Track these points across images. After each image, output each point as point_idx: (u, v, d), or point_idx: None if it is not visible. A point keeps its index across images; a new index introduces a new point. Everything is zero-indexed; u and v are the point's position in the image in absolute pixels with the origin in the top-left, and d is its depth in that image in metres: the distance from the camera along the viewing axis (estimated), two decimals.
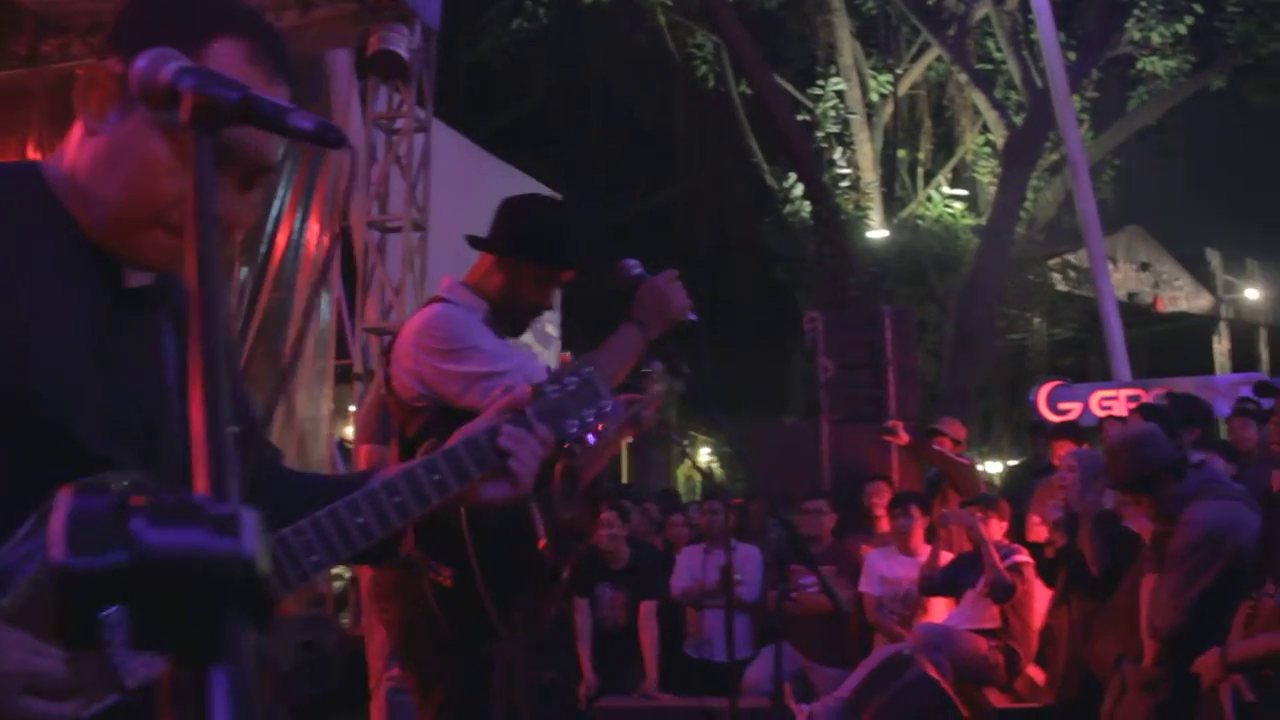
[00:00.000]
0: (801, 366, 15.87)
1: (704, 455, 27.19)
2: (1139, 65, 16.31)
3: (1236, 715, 3.37)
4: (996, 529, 6.33)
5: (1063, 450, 7.16)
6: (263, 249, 7.91)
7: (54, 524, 0.84)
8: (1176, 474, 4.18)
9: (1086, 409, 10.58)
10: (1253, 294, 28.48)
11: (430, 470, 1.64)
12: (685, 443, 25.32)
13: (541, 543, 2.81)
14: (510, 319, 3.05)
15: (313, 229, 7.96)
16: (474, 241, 3.14)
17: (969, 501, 6.71)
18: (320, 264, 7.88)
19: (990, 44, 16.67)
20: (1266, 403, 7.20)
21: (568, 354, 3.76)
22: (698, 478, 26.15)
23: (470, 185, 9.23)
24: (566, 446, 1.82)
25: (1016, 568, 6.04)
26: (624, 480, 19.39)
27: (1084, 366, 22.02)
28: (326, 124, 1.20)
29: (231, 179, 1.43)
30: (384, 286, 7.51)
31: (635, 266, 3.05)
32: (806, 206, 15.47)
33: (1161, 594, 3.89)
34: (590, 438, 1.85)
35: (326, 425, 7.94)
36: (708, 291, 22.41)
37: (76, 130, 1.48)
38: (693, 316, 3.03)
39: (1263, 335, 28.30)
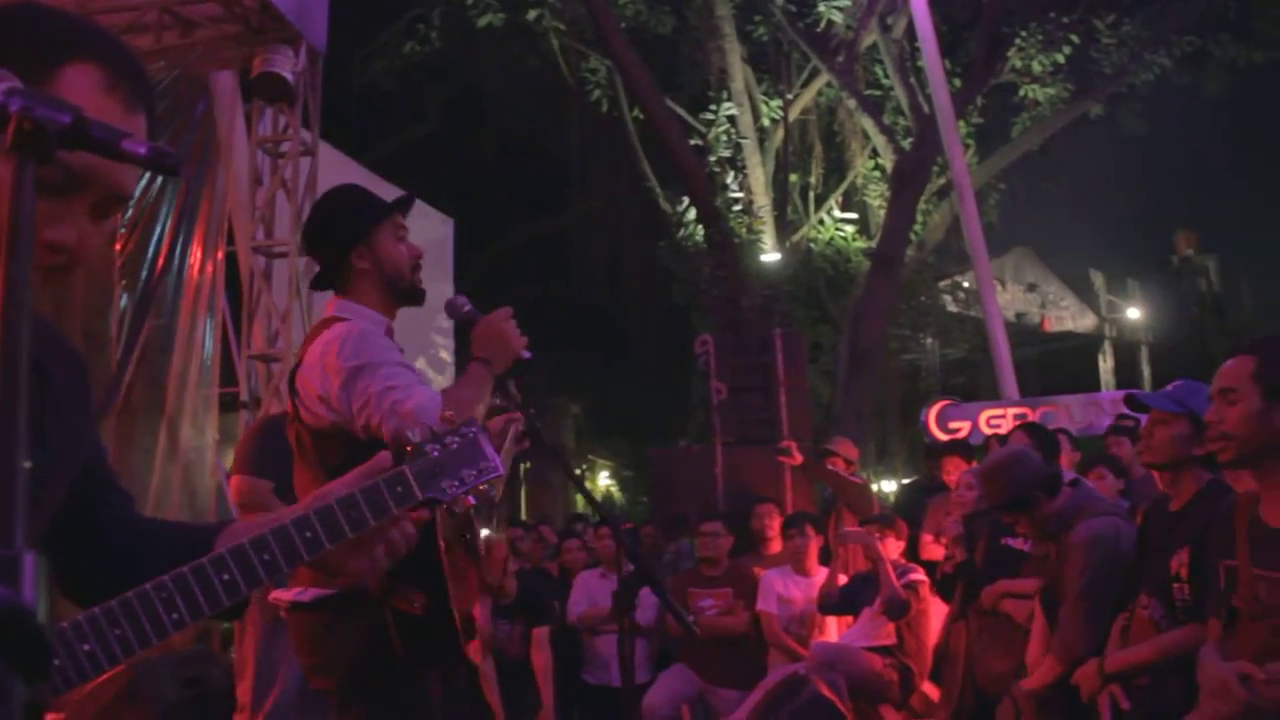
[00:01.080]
0: (700, 389, 15.91)
1: (603, 478, 27.20)
2: (1021, 92, 16.73)
3: None
4: (894, 548, 6.39)
5: (953, 467, 7.28)
6: (144, 274, 7.70)
7: None
8: (1050, 492, 4.26)
9: (975, 427, 10.78)
10: (1134, 313, 29.43)
11: (301, 528, 1.59)
12: (583, 468, 25.28)
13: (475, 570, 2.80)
14: (403, 289, 3.02)
15: (195, 254, 7.76)
16: (322, 281, 3.13)
17: (868, 520, 6.77)
18: (203, 289, 7.69)
19: (879, 70, 16.97)
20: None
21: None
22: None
23: None
24: (443, 505, 1.79)
25: (912, 585, 6.10)
26: (522, 509, 19.29)
27: (975, 386, 22.52)
28: (162, 150, 1.16)
29: (83, 206, 1.37)
30: (270, 312, 7.35)
31: (465, 304, 3.09)
32: (700, 230, 15.55)
33: (1073, 621, 3.94)
34: (470, 499, 1.82)
35: (212, 454, 7.73)
36: (605, 315, 22.49)
37: None
38: (527, 355, 3.02)
39: (1144, 353, 29.23)
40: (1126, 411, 8.61)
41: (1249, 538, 2.81)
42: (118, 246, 7.68)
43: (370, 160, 13.52)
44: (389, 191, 9.86)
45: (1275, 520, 2.77)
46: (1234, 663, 2.64)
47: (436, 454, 1.74)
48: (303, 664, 2.94)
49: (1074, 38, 15.79)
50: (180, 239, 7.79)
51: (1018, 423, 9.17)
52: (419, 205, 12.02)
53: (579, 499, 24.63)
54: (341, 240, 3.00)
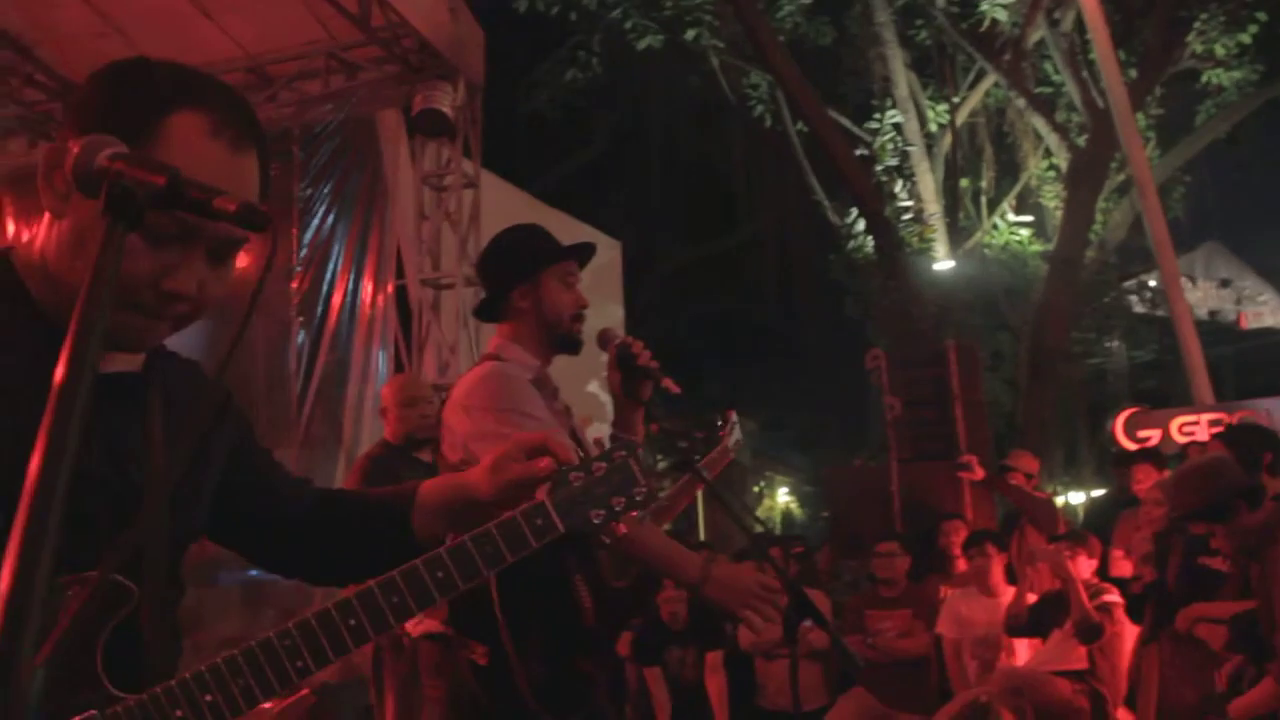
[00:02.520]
0: (877, 404, 15.62)
1: (782, 495, 26.97)
2: (1204, 79, 15.92)
3: None
4: (1085, 566, 6.11)
5: (1144, 476, 6.91)
6: (319, 310, 7.96)
7: None
8: (1251, 503, 3.97)
9: (1167, 435, 10.23)
10: None
11: (434, 567, 1.58)
12: (760, 485, 25.12)
13: (588, 614, 2.70)
14: (560, 336, 2.99)
15: (367, 288, 7.99)
16: (485, 310, 3.11)
17: (1058, 538, 6.48)
18: (375, 322, 7.91)
19: (1048, 66, 16.39)
20: None
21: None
22: (778, 518, 25.91)
23: None
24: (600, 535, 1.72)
25: (1105, 607, 5.81)
26: (700, 530, 19.23)
27: (1166, 390, 21.46)
28: (251, 208, 1.18)
29: (199, 253, 1.40)
30: (440, 344, 7.49)
31: (617, 337, 3.02)
32: (870, 241, 15.28)
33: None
34: (622, 527, 1.74)
35: None
36: (778, 331, 22.33)
37: (45, 214, 1.44)
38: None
39: None
40: None
41: None
42: (294, 285, 7.97)
43: (538, 188, 13.71)
44: (554, 220, 10.06)
45: None
46: None
47: (580, 483, 1.69)
48: (426, 694, 2.94)
49: (1260, 15, 14.90)
50: (353, 274, 8.02)
51: (1213, 431, 8.71)
52: (587, 231, 12.16)
53: (758, 513, 24.46)
54: (507, 276, 3.01)
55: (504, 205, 8.97)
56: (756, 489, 25.12)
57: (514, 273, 2.99)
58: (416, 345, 7.61)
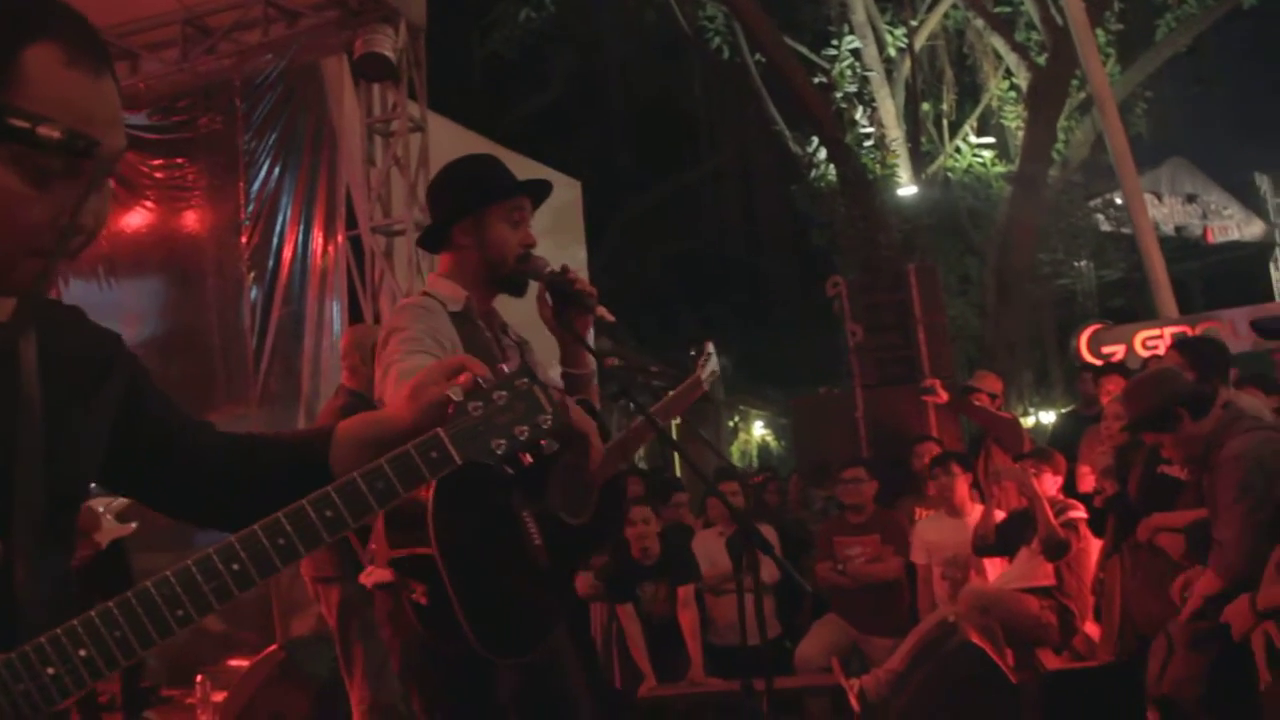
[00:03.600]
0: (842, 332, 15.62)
1: (758, 428, 27.04)
2: None
3: (1269, 663, 3.16)
4: (1051, 483, 6.10)
5: (1114, 388, 6.89)
6: (270, 264, 7.82)
7: None
8: (1196, 412, 3.97)
9: (1131, 349, 10.25)
10: None
11: (321, 506, 1.52)
12: (736, 420, 25.16)
13: (538, 553, 2.65)
14: (503, 276, 2.90)
15: (317, 239, 7.84)
16: (426, 240, 3.02)
17: (1023, 456, 6.48)
18: (328, 273, 7.79)
19: None
20: None
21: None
22: (754, 452, 26.00)
23: None
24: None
25: (1071, 524, 5.82)
26: (676, 465, 19.28)
27: (1136, 307, 21.54)
28: (74, 133, 1.21)
29: (85, 183, 1.37)
30: (394, 291, 7.39)
31: (545, 265, 2.93)
32: (832, 170, 15.19)
33: (1230, 534, 3.68)
34: (528, 456, 1.67)
35: None
36: (745, 266, 22.27)
37: None
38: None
39: None
40: None
41: None
42: (244, 239, 7.83)
43: (498, 131, 13.52)
44: (510, 161, 9.90)
45: None
46: None
47: (480, 411, 1.62)
48: (385, 643, 2.90)
49: None
50: (302, 225, 7.88)
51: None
52: (546, 172, 12.01)
53: (734, 452, 24.54)
54: (451, 209, 2.90)
55: (456, 148, 8.80)
56: (731, 423, 25.19)
57: (458, 206, 2.88)
58: (370, 294, 7.52)
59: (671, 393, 3.32)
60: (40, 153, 1.29)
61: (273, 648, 6.53)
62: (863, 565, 6.88)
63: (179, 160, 8.25)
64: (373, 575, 2.85)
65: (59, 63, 1.34)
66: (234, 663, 6.87)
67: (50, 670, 1.31)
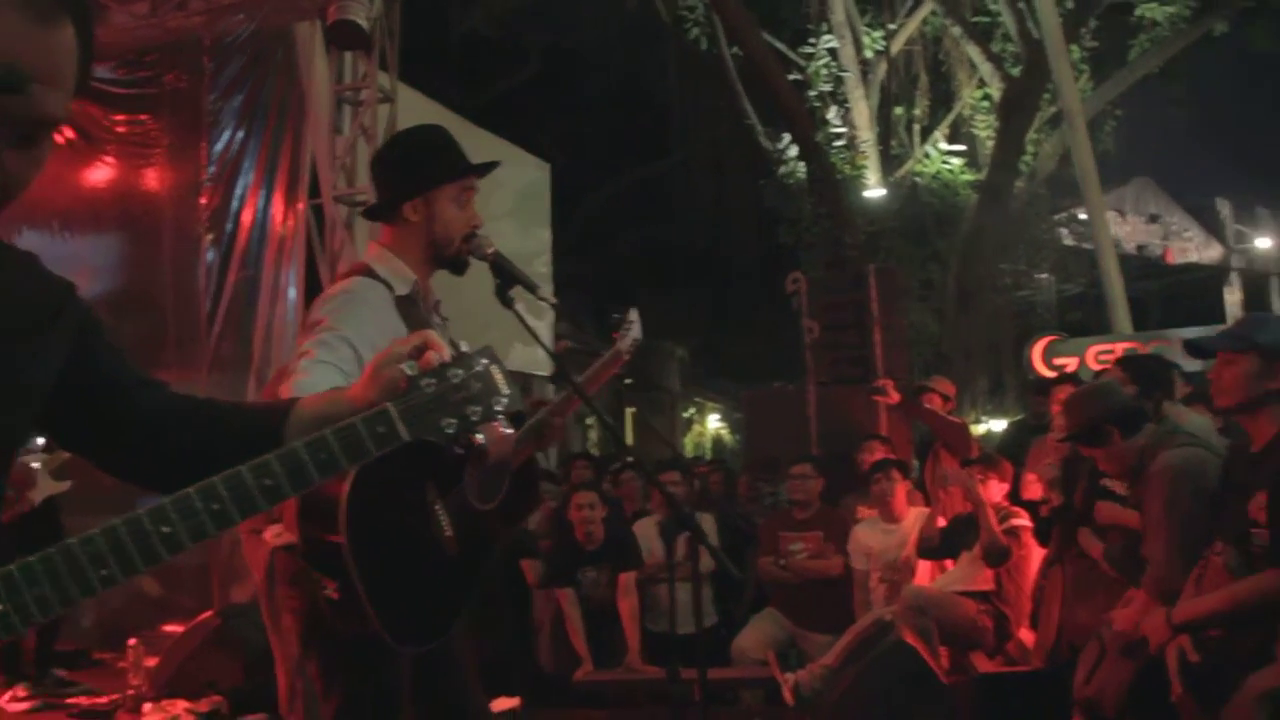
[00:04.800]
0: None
1: (713, 421, 27.10)
2: (1138, 12, 15.96)
3: (1182, 676, 3.21)
4: (996, 490, 6.16)
5: (1063, 399, 6.95)
6: (229, 227, 7.73)
7: None
8: (1127, 428, 4.02)
9: (1083, 362, 10.35)
10: (1264, 243, 28.12)
11: (260, 474, 1.49)
12: (692, 411, 25.17)
13: (449, 543, 2.64)
14: (447, 255, 2.89)
15: (278, 205, 7.76)
16: (372, 211, 3.00)
17: (970, 461, 6.53)
18: (286, 240, 7.71)
19: None
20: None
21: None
22: (708, 444, 26.05)
23: None
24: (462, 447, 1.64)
25: (1014, 531, 5.86)
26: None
27: (1093, 321, 21.74)
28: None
29: (3, 135, 1.31)
30: (354, 262, 7.33)
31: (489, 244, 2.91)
32: (802, 167, 15.22)
33: (1159, 552, 3.72)
34: (479, 438, 1.65)
35: None
36: (710, 257, 22.28)
37: None
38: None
39: (1275, 284, 27.97)
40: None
41: None
42: (203, 201, 7.74)
43: (472, 108, 13.44)
44: (478, 139, 9.79)
45: None
46: None
47: (433, 389, 1.60)
48: (285, 604, 2.87)
49: None
50: (264, 190, 7.80)
51: None
52: (514, 152, 11.93)
53: (689, 444, 24.58)
54: (400, 186, 2.89)
55: (425, 121, 8.75)
56: (687, 414, 25.23)
57: (408, 184, 2.87)
58: (329, 263, 7.46)
59: (595, 364, 3.32)
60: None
61: (208, 614, 6.49)
62: (804, 561, 6.91)
63: (142, 116, 8.14)
64: (280, 536, 2.82)
65: (10, 4, 1.28)
66: (169, 628, 6.81)
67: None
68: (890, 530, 6.67)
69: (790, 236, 16.83)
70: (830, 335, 8.39)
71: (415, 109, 8.41)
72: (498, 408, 1.64)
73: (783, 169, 16.04)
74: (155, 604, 7.18)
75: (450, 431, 1.60)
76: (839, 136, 15.41)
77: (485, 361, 1.65)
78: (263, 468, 1.48)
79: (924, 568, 6.51)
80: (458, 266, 2.93)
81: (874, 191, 15.12)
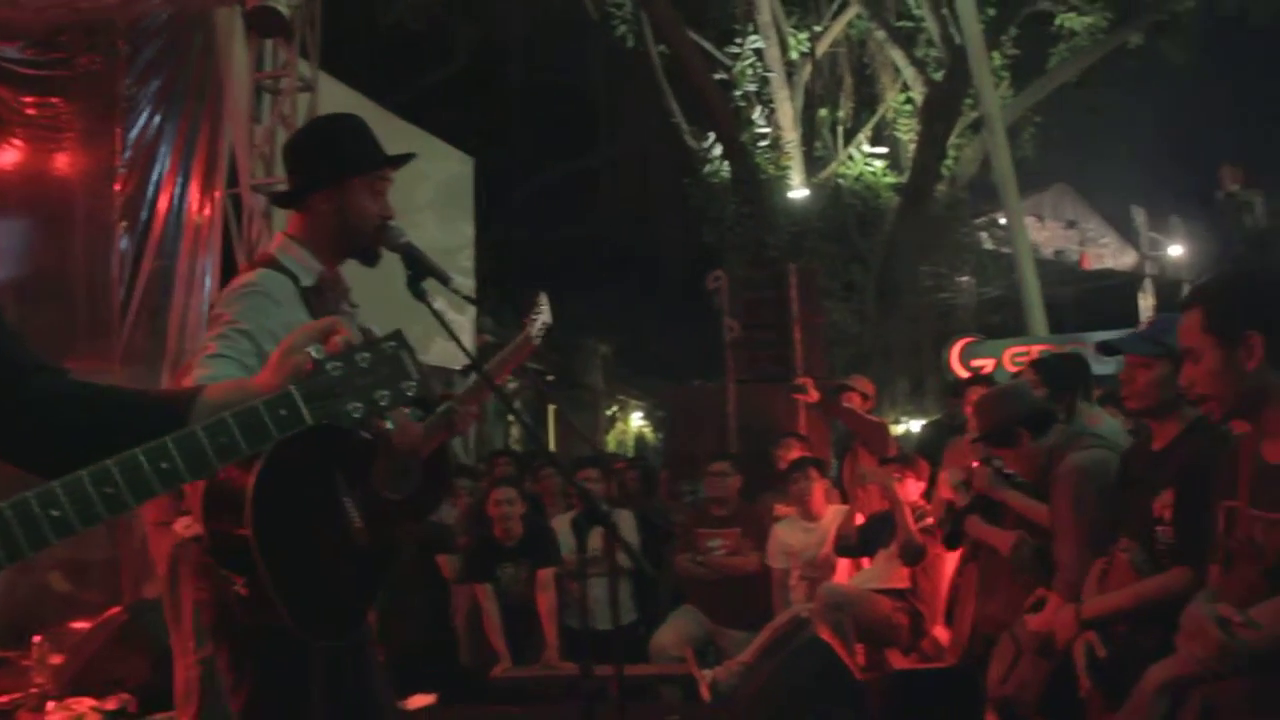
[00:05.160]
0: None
1: (636, 418, 27.11)
2: (1058, 22, 16.25)
3: (1089, 671, 3.26)
4: (914, 489, 6.24)
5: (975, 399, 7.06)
6: (143, 215, 7.53)
7: None
8: (1036, 429, 4.09)
9: (1000, 364, 10.52)
10: (1176, 250, 28.80)
11: (156, 458, 1.44)
12: (614, 408, 25.20)
13: (360, 534, 2.60)
14: (358, 246, 2.85)
15: (194, 193, 7.60)
16: (282, 199, 2.95)
17: (888, 460, 6.60)
18: (202, 229, 7.55)
19: (910, 1, 16.55)
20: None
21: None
22: (630, 442, 26.06)
23: None
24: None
25: (930, 530, 5.93)
26: (552, 447, 19.22)
27: (1011, 324, 22.09)
28: None
29: None
30: (258, 253, 7.20)
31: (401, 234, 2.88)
32: (726, 167, 15.28)
33: (1069, 554, 3.78)
34: (385, 423, 1.63)
35: None
36: (634, 255, 22.28)
37: None
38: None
39: (1186, 291, 28.64)
40: None
41: (1250, 478, 2.63)
42: (116, 187, 7.53)
43: (397, 100, 13.30)
44: (400, 131, 9.67)
45: (1275, 458, 2.58)
46: (1214, 605, 2.47)
47: (339, 372, 1.57)
48: (195, 596, 2.82)
49: None
50: (180, 178, 7.61)
51: None
52: (438, 145, 11.81)
53: (611, 442, 24.56)
54: (313, 172, 2.84)
55: (338, 105, 8.66)
56: (609, 412, 25.20)
57: (320, 173, 2.82)
58: (247, 253, 7.32)
59: (503, 350, 3.30)
60: None
61: (115, 610, 6.35)
62: (722, 558, 6.94)
63: (53, 99, 7.89)
64: (190, 527, 2.78)
65: None
66: (76, 625, 6.63)
67: None
68: (810, 528, 6.73)
69: (714, 235, 16.90)
70: (750, 334, 8.44)
71: (337, 99, 8.30)
72: (407, 392, 1.61)
73: (707, 168, 16.09)
74: (62, 600, 6.98)
75: (356, 416, 1.57)
76: (763, 137, 15.50)
77: (393, 345, 1.63)
78: (159, 451, 1.44)
79: (843, 565, 6.57)
80: (369, 257, 2.89)
81: (798, 192, 15.23)
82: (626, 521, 7.09)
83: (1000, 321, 23.19)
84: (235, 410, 1.48)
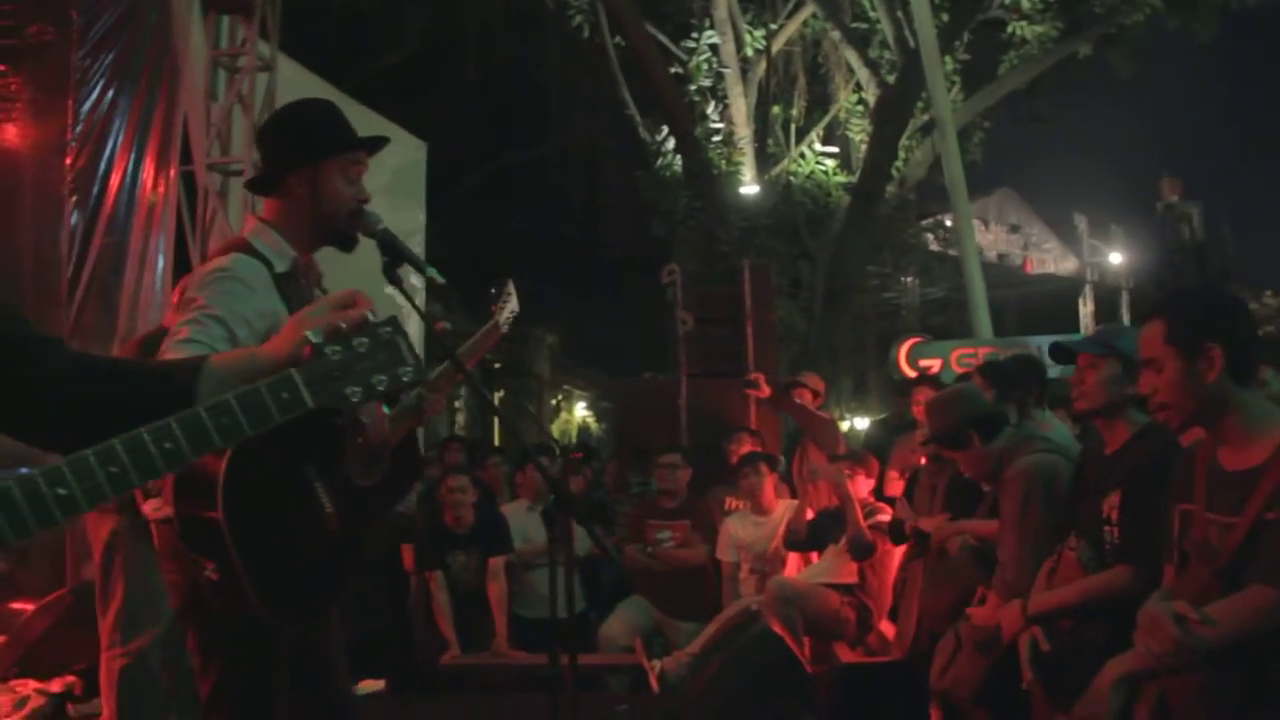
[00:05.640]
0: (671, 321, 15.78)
1: (580, 409, 27.15)
2: (1009, 29, 16.45)
3: (1033, 665, 3.37)
4: (864, 486, 6.32)
5: (924, 398, 7.15)
6: (95, 191, 7.39)
7: None
8: (986, 432, 4.19)
9: (946, 365, 10.66)
10: (1116, 258, 29.34)
11: (160, 437, 1.44)
12: (559, 398, 25.20)
13: (331, 520, 2.60)
14: (332, 231, 2.84)
15: (148, 169, 7.47)
16: (256, 183, 2.95)
17: (839, 457, 6.68)
18: (156, 207, 7.44)
19: (865, 2, 16.67)
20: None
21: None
22: (573, 432, 26.09)
23: None
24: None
25: (879, 526, 6.01)
26: (495, 438, 19.20)
27: (954, 325, 22.41)
28: None
29: None
30: (225, 232, 7.14)
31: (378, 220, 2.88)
32: (679, 160, 15.32)
33: (1010, 555, 3.87)
34: (381, 406, 1.66)
35: None
36: (583, 246, 22.29)
37: None
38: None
39: (1125, 298, 29.19)
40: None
41: (1205, 482, 2.71)
42: (68, 161, 7.36)
43: (348, 82, 13.17)
44: (358, 114, 9.56)
45: (1231, 464, 2.67)
46: (1170, 603, 2.55)
47: (338, 357, 1.60)
48: (164, 578, 2.81)
49: None
50: (134, 154, 7.48)
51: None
52: (392, 129, 11.70)
53: (555, 430, 24.57)
54: (287, 154, 2.82)
55: (302, 93, 8.54)
56: (554, 401, 25.22)
57: (295, 152, 2.80)
58: (201, 233, 7.25)
59: (473, 337, 3.32)
60: None
61: (60, 591, 6.26)
62: (671, 550, 7.00)
63: (1, 68, 7.74)
64: (159, 510, 2.76)
65: None
66: (18, 605, 6.53)
67: None
68: (760, 522, 6.79)
69: (663, 229, 16.91)
70: (703, 328, 8.49)
71: (293, 80, 8.20)
72: (403, 377, 1.64)
73: (660, 161, 16.11)
74: (3, 580, 6.87)
75: (355, 400, 1.60)
76: (716, 132, 15.54)
77: (389, 330, 1.65)
78: (163, 431, 1.45)
79: (792, 560, 6.64)
80: (345, 242, 2.89)
81: (749, 188, 15.29)
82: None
83: (943, 322, 23.54)
84: (238, 392, 1.49)
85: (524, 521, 7.10)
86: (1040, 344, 10.86)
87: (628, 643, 6.51)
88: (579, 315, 22.30)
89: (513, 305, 3.45)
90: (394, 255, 2.79)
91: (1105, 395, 3.41)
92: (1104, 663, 2.77)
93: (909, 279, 22.63)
